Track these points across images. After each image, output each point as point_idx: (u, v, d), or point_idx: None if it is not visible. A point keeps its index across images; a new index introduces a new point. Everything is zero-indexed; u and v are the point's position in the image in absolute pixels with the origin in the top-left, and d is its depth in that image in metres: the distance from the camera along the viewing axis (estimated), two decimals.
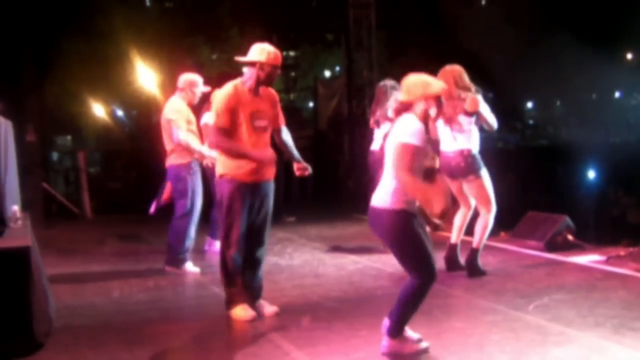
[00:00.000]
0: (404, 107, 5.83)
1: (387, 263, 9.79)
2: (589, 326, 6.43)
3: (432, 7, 30.72)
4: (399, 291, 5.85)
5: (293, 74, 42.00)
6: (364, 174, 11.09)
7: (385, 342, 5.80)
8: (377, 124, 10.30)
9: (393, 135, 5.74)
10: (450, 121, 8.50)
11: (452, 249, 8.87)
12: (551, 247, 9.72)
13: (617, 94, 42.45)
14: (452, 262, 8.85)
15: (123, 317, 7.37)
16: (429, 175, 5.84)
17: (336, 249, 10.97)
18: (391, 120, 6.49)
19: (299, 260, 10.18)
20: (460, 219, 8.90)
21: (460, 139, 8.50)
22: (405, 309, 5.77)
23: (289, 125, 17.83)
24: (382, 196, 5.72)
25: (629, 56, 41.03)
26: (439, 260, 8.62)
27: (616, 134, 28.84)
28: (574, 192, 10.25)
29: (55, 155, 22.88)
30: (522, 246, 9.86)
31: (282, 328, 6.62)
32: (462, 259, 8.83)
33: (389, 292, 8.40)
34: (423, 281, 5.71)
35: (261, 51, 7.17)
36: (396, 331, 5.78)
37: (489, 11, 33.16)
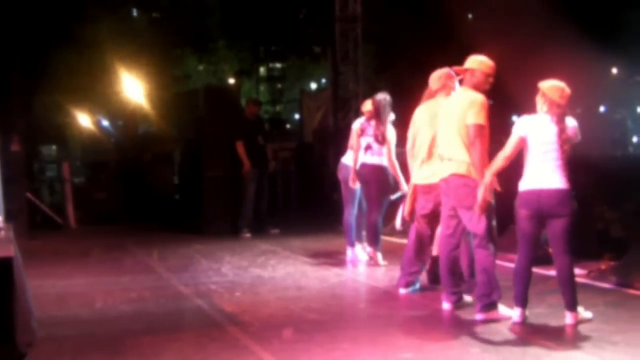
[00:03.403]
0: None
1: (370, 276, 9.88)
2: (569, 340, 6.50)
3: (419, 20, 30.83)
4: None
5: (279, 85, 42.06)
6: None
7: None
8: (379, 139, 10.37)
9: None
10: None
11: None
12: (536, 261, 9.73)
13: (602, 109, 42.60)
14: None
15: (106, 328, 7.39)
16: None
17: (319, 261, 11.00)
18: None
19: (282, 272, 10.19)
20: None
21: None
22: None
23: (273, 137, 17.84)
24: (561, 179, 6.94)
25: (614, 71, 41.21)
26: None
27: (601, 149, 28.92)
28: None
29: (39, 165, 22.82)
30: (503, 260, 9.90)
31: (263, 340, 6.62)
32: None
33: (371, 305, 8.47)
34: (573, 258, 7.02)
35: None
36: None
37: (477, 25, 33.32)
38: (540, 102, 7.04)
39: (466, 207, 7.44)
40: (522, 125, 7.08)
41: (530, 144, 7.01)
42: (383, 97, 10.45)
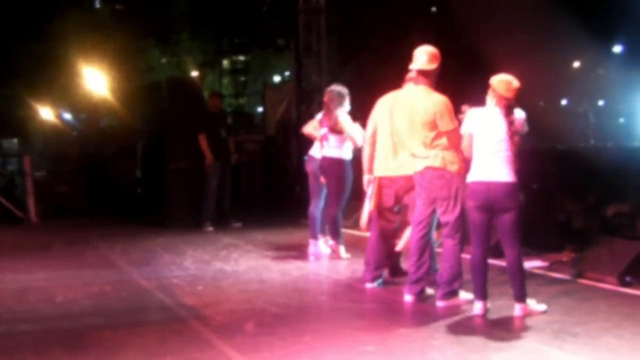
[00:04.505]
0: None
1: (332, 269, 9.88)
2: (530, 331, 6.54)
3: (382, 12, 30.85)
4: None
5: (243, 78, 41.95)
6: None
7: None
8: (333, 130, 10.36)
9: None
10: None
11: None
12: (494, 253, 9.76)
13: (564, 102, 42.95)
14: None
15: (67, 323, 7.32)
16: None
17: (282, 254, 10.98)
18: None
19: (245, 265, 10.16)
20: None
21: None
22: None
23: (240, 129, 17.72)
24: (509, 172, 7.02)
25: (576, 64, 41.52)
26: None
27: (563, 141, 29.18)
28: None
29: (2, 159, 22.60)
30: (465, 252, 9.96)
31: (225, 334, 6.61)
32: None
33: (332, 298, 8.47)
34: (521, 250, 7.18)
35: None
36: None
37: (440, 18, 33.43)
38: (490, 96, 7.16)
39: (441, 198, 7.63)
40: (470, 120, 7.23)
41: (479, 136, 7.15)
42: (331, 88, 10.50)
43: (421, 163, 7.70)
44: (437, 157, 7.59)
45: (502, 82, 7.07)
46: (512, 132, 7.00)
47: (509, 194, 7.00)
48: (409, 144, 7.84)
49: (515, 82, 7.07)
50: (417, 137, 7.72)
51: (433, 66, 7.84)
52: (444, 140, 7.60)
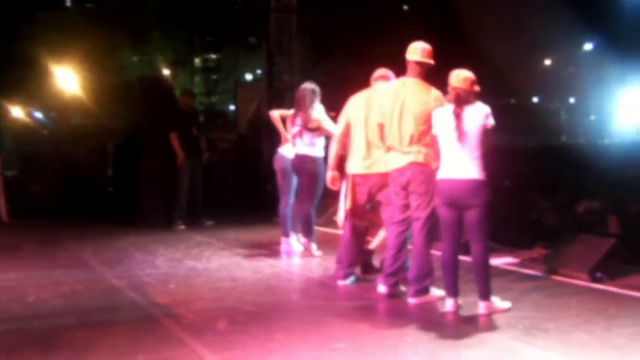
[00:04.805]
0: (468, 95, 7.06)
1: (304, 267, 9.88)
2: (501, 328, 6.55)
3: (355, 11, 30.86)
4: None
5: (214, 76, 41.85)
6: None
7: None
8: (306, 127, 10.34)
9: (479, 118, 6.99)
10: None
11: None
12: (465, 249, 9.79)
13: (535, 99, 43.08)
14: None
15: (39, 323, 7.26)
16: None
17: (254, 252, 10.98)
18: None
19: (217, 264, 10.14)
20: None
21: None
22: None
23: (213, 128, 17.63)
24: (473, 169, 6.95)
25: (547, 62, 41.70)
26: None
27: (535, 139, 29.26)
28: (493, 196, 10.40)
29: None
30: (436, 249, 10.00)
31: (197, 332, 6.60)
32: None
33: (304, 295, 8.47)
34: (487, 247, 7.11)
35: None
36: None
37: (412, 17, 33.47)
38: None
39: (418, 193, 7.59)
40: (434, 121, 7.31)
41: (441, 135, 7.17)
42: (304, 86, 10.50)
43: (403, 159, 7.64)
44: (420, 153, 7.54)
45: (454, 73, 7.08)
46: (458, 124, 6.97)
47: (473, 191, 6.97)
48: (389, 138, 7.77)
49: (466, 73, 7.04)
50: (405, 130, 7.62)
51: (430, 61, 7.79)
52: (429, 137, 7.51)
